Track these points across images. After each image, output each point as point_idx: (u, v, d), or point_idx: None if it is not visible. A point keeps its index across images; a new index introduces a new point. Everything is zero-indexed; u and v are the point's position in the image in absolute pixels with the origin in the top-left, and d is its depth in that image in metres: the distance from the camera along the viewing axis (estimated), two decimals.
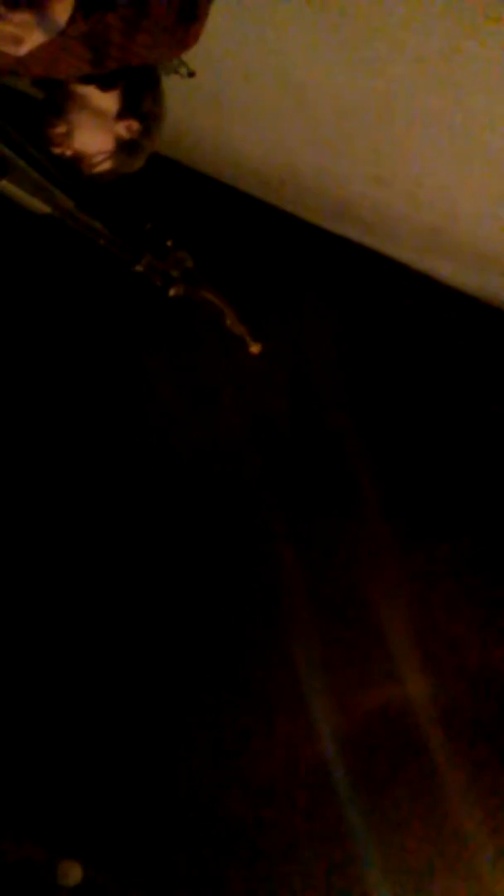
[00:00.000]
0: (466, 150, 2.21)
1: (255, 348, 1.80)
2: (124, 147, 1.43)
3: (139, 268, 1.64)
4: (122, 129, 1.41)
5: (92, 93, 1.36)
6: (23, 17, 1.06)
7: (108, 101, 1.38)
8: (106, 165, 1.43)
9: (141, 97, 1.42)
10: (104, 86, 1.35)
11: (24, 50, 1.12)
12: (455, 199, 2.53)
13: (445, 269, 3.17)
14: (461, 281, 3.21)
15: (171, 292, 1.67)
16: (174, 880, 2.97)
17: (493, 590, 3.16)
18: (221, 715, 3.08)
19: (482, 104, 1.95)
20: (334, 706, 3.07)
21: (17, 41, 1.09)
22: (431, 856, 2.95)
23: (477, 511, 3.23)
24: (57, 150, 1.38)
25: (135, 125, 1.42)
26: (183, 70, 1.90)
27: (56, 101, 1.34)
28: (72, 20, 1.14)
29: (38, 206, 1.44)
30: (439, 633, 3.13)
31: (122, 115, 1.40)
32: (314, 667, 3.08)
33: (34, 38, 1.11)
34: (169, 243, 1.66)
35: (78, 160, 1.40)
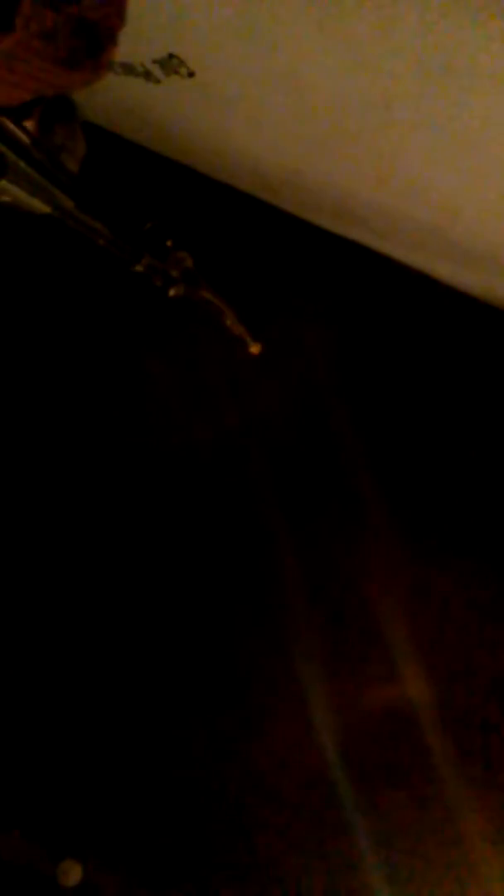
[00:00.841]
0: (467, 150, 2.21)
1: (255, 348, 1.79)
2: None
3: (139, 268, 1.63)
4: None
5: (3, 123, 1.33)
6: None
7: (20, 131, 1.34)
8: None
9: (54, 129, 1.38)
10: (17, 116, 1.32)
11: None
12: (455, 198, 2.53)
13: (445, 269, 3.17)
14: (461, 281, 3.21)
15: (171, 292, 1.67)
16: (174, 880, 2.97)
17: (496, 590, 3.16)
18: (220, 716, 3.08)
19: (484, 103, 1.95)
20: (334, 707, 3.07)
21: None
22: (432, 857, 2.95)
23: (479, 511, 3.23)
24: None
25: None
26: (183, 70, 1.90)
27: None
28: None
29: (38, 206, 1.44)
30: (441, 634, 3.13)
31: (35, 146, 1.36)
32: (314, 667, 3.08)
33: None
34: (169, 243, 1.65)
35: None
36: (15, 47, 1.11)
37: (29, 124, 1.33)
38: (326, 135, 2.54)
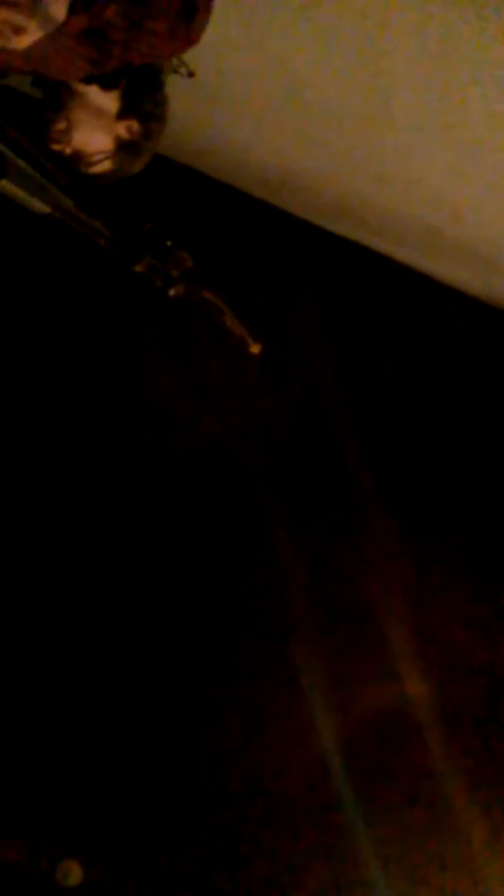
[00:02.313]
0: (466, 150, 2.21)
1: (255, 348, 1.79)
2: (124, 147, 1.42)
3: (139, 268, 1.63)
4: (123, 129, 1.40)
5: (93, 91, 1.35)
6: (21, 9, 1.06)
7: (108, 100, 1.37)
8: (105, 165, 1.42)
9: (142, 98, 1.41)
10: (105, 85, 1.34)
11: (23, 43, 1.11)
12: (455, 198, 2.53)
13: (445, 269, 3.17)
14: (461, 281, 3.21)
15: (171, 292, 1.67)
16: (174, 880, 2.97)
17: (495, 590, 3.16)
18: (221, 716, 3.08)
19: (482, 102, 1.95)
20: (334, 707, 3.07)
21: (18, 32, 1.09)
22: (431, 854, 2.95)
23: (479, 511, 3.23)
24: (56, 148, 1.37)
25: (135, 126, 1.41)
26: (183, 70, 1.89)
27: (57, 97, 1.34)
28: (71, 14, 1.13)
29: (38, 206, 1.44)
30: (441, 633, 3.13)
31: (122, 115, 1.39)
32: (315, 667, 3.08)
33: (33, 32, 1.11)
34: (169, 243, 1.65)
35: (77, 158, 1.39)
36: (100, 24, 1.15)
37: (115, 94, 1.36)
38: (326, 134, 2.54)
